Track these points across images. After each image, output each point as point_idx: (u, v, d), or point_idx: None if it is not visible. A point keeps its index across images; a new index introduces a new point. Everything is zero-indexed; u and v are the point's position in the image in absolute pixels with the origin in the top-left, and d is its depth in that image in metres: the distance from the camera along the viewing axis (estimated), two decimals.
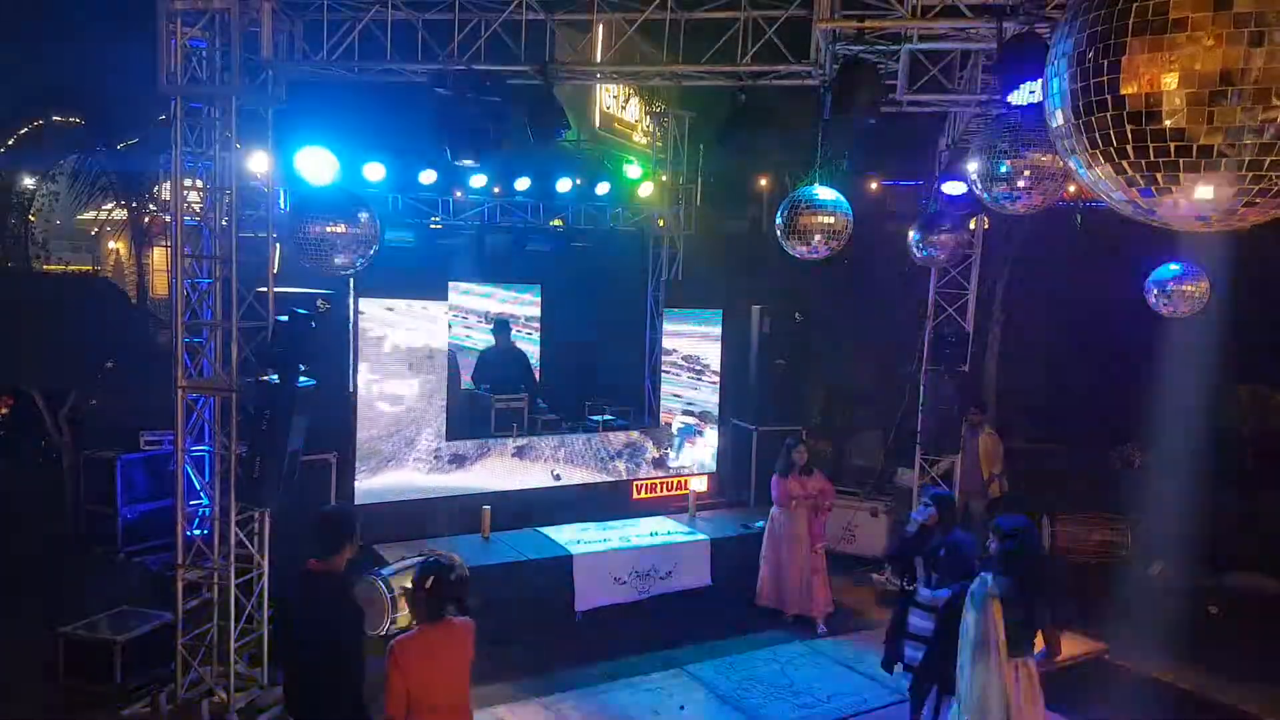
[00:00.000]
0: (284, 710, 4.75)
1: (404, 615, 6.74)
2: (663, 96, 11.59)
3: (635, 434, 10.02)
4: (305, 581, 4.48)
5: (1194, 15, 1.94)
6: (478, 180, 9.37)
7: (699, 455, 10.37)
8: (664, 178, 10.53)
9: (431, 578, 4.19)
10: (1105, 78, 2.06)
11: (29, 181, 13.25)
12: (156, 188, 12.41)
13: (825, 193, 6.26)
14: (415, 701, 4.05)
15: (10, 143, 13.24)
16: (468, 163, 6.26)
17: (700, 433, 10.37)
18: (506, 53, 6.16)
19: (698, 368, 10.34)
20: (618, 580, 8.22)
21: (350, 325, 8.30)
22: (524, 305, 11.02)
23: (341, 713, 4.29)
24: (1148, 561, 10.30)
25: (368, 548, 7.45)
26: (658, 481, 10.04)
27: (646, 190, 10.42)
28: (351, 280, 8.09)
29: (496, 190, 9.73)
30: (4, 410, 11.08)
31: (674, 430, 10.28)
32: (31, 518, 9.58)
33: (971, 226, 9.13)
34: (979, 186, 5.74)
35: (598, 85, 12.14)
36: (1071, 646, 8.07)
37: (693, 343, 10.39)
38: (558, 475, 9.43)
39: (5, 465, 10.45)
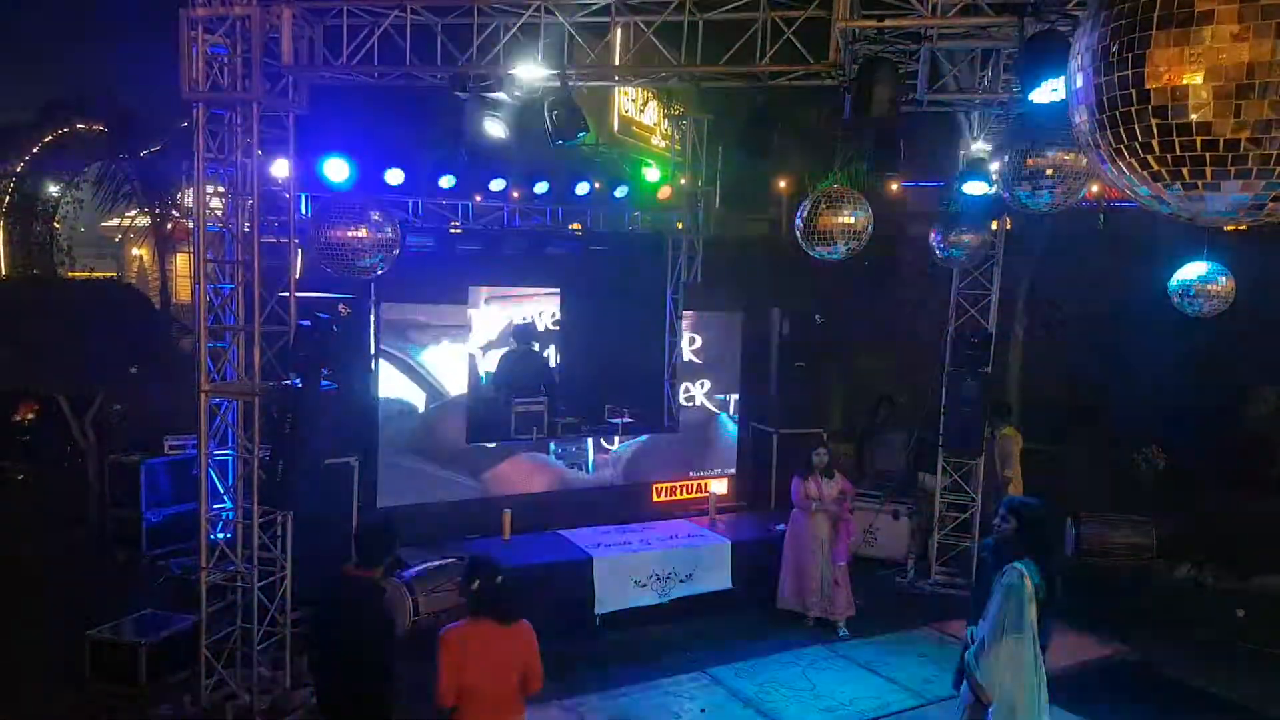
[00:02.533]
0: (317, 711, 4.80)
1: (424, 618, 6.81)
2: (681, 99, 11.60)
3: None
4: (341, 586, 4.51)
5: (1220, 8, 1.92)
6: (497, 184, 9.39)
7: None
8: (683, 180, 10.53)
9: (477, 580, 4.26)
10: (1130, 72, 2.04)
11: (54, 189, 13.43)
12: (179, 194, 12.54)
13: (845, 193, 6.24)
14: (462, 690, 4.13)
15: (35, 151, 13.43)
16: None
17: None
18: (525, 56, 6.18)
19: None
20: (638, 583, 8.22)
21: (372, 329, 8.34)
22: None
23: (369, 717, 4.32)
24: (1175, 565, 10.20)
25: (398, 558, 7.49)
26: (678, 484, 10.04)
27: (665, 193, 10.41)
28: (373, 284, 8.14)
29: (515, 194, 9.75)
30: (30, 415, 11.23)
31: None
32: (57, 521, 9.70)
33: (994, 227, 9.08)
34: (1001, 186, 5.71)
35: (616, 88, 12.17)
36: (1097, 650, 8.01)
37: None
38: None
39: (31, 469, 10.59)
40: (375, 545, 4.55)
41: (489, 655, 4.19)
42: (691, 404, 10.31)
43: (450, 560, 7.38)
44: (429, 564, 7.29)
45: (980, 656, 5.06)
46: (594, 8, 6.11)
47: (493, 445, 9.04)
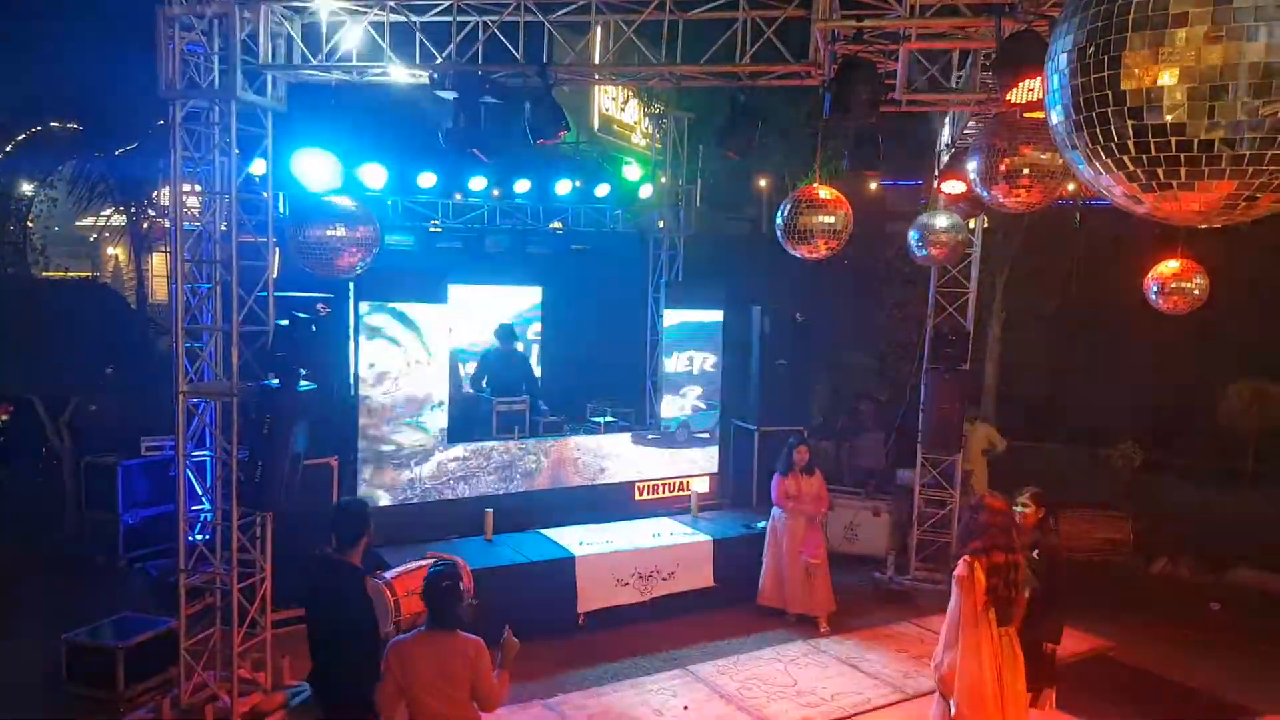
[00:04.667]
0: (311, 694, 4.84)
1: (405, 617, 6.77)
2: (661, 98, 11.61)
3: None
4: (323, 568, 4.55)
5: (1194, 10, 1.94)
6: (477, 183, 9.37)
7: None
8: (664, 179, 10.54)
9: (425, 582, 4.25)
10: (1105, 74, 2.06)
11: (27, 187, 13.24)
12: (155, 193, 12.40)
13: (825, 192, 6.26)
14: (409, 703, 4.11)
15: (9, 149, 13.23)
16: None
17: None
18: (505, 55, 6.16)
19: None
20: (620, 582, 8.22)
21: (351, 328, 8.30)
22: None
23: (358, 698, 4.33)
24: (1151, 559, 10.32)
25: (371, 551, 7.46)
26: (660, 482, 10.05)
27: (646, 192, 10.42)
28: (352, 284, 8.10)
29: (496, 193, 9.73)
30: (4, 417, 11.09)
31: None
32: (33, 524, 9.59)
33: (971, 225, 9.14)
34: (978, 185, 5.75)
35: (596, 87, 12.17)
36: (1074, 643, 8.08)
37: None
38: None
39: (6, 472, 10.46)
40: (351, 526, 4.61)
41: (438, 670, 4.12)
42: (674, 403, 10.32)
43: (431, 560, 7.35)
44: (410, 564, 7.25)
45: (945, 650, 5.14)
46: (574, 6, 6.10)
47: (474, 445, 9.01)
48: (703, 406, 10.35)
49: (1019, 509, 5.86)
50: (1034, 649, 5.54)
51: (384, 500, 8.44)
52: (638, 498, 9.89)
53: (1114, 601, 8.95)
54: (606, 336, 10.79)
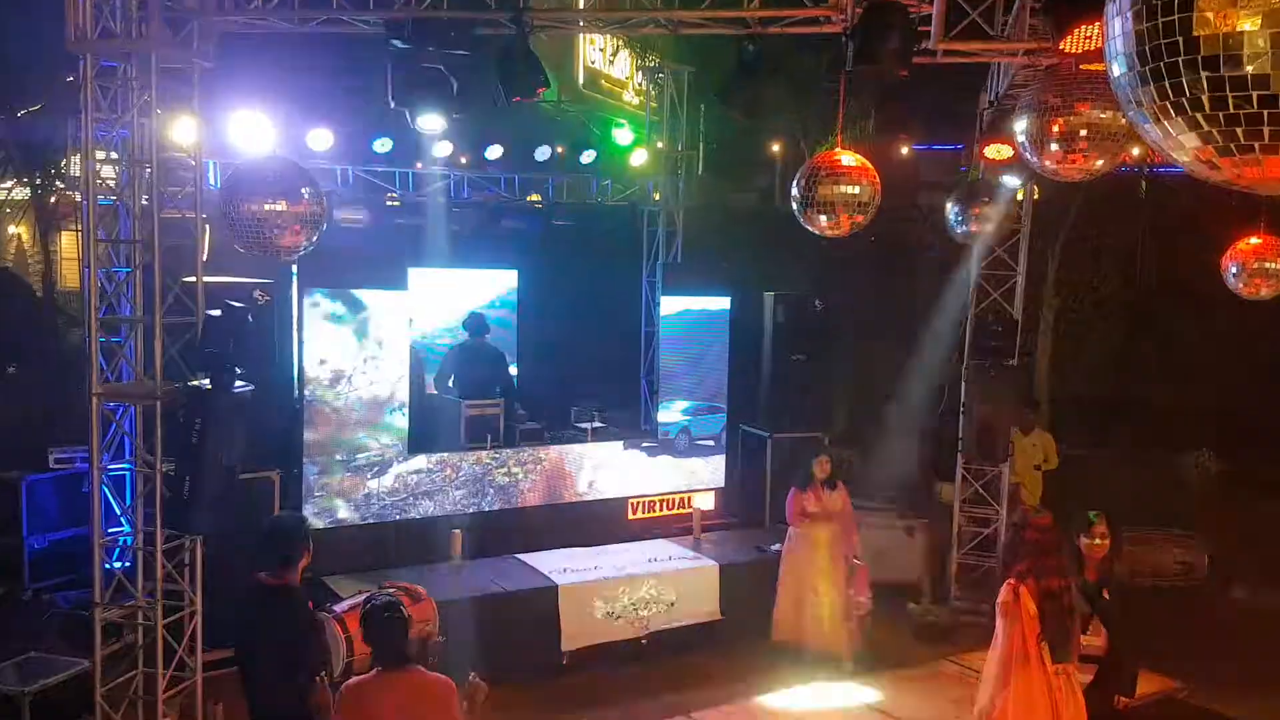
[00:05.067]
0: None
1: (359, 658, 6.77)
2: (657, 49, 11.61)
3: None
4: (257, 597, 4.52)
5: None
6: (442, 149, 9.34)
7: None
8: (660, 143, 10.54)
9: (362, 618, 4.27)
10: (1175, 18, 2.05)
11: None
12: (64, 162, 12.36)
13: (849, 158, 6.25)
14: None
15: None
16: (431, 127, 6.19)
17: None
18: None
19: None
20: (611, 614, 8.22)
21: (295, 320, 8.29)
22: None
23: None
24: (1228, 586, 10.35)
25: (318, 581, 7.46)
26: (657, 499, 10.05)
27: (639, 158, 10.42)
28: (294, 268, 8.09)
29: (464, 160, 9.72)
30: None
31: None
32: None
33: (1019, 197, 9.15)
34: (1027, 150, 5.75)
35: (581, 36, 12.16)
36: (1139, 684, 8.10)
37: None
38: None
39: None
40: (286, 544, 4.61)
41: (403, 715, 4.14)
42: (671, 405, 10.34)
43: (389, 592, 7.35)
44: (362, 596, 7.25)
45: (992, 691, 5.15)
46: None
47: (439, 456, 9.00)
48: None
49: (1095, 540, 5.77)
50: (1105, 705, 5.52)
51: (338, 515, 8.44)
52: (631, 517, 9.90)
53: (1185, 636, 8.96)
54: (594, 328, 10.79)
